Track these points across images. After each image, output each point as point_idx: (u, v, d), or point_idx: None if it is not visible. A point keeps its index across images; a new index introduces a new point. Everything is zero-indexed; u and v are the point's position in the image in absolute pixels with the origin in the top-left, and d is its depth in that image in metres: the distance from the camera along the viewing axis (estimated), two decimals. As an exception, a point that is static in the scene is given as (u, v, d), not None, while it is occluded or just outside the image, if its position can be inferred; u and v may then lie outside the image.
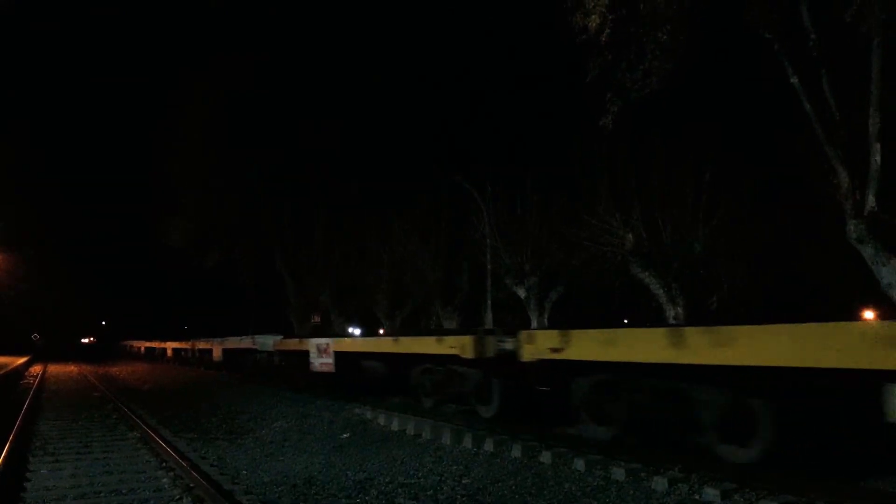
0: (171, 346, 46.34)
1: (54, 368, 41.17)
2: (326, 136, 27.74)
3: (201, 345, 37.22)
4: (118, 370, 39.54)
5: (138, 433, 12.71)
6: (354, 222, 28.99)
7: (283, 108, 29.18)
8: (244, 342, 27.86)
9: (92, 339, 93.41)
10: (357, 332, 18.60)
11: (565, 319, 19.67)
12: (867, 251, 10.69)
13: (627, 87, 11.77)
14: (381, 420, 13.48)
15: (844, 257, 12.85)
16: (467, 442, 10.66)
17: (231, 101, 29.20)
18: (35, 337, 70.47)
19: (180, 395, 21.70)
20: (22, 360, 42.16)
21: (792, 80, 11.20)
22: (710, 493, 7.26)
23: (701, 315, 16.74)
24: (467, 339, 13.15)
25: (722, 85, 15.54)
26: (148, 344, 56.69)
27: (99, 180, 78.24)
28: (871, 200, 10.64)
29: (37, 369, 39.00)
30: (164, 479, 8.76)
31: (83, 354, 68.69)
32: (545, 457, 9.31)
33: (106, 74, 60.24)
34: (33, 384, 25.57)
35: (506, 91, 25.22)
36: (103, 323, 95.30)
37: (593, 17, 11.27)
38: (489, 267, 22.30)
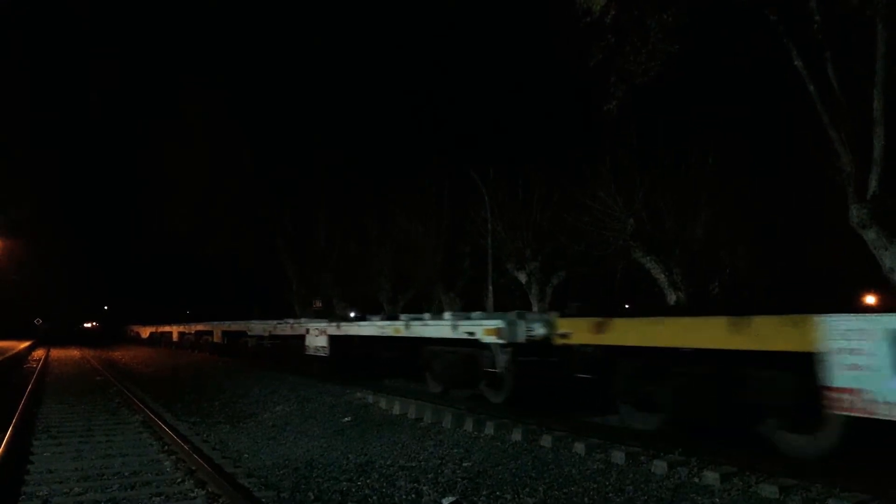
0: (175, 329, 46.40)
1: (57, 353, 41.34)
2: (333, 135, 27.71)
3: (200, 328, 37.29)
4: (120, 354, 39.71)
5: (140, 417, 12.76)
6: (356, 207, 28.98)
7: (288, 105, 29.13)
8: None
9: (94, 323, 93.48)
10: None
11: (566, 304, 19.62)
12: (869, 235, 10.65)
13: (631, 70, 11.68)
14: (383, 404, 13.51)
15: (847, 242, 12.80)
16: (468, 425, 10.68)
17: (233, 99, 29.15)
18: (38, 322, 70.60)
19: (182, 380, 21.78)
20: (25, 344, 42.35)
21: (796, 63, 11.12)
22: (710, 476, 7.28)
23: (703, 300, 16.72)
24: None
25: (726, 69, 15.41)
26: (150, 329, 56.81)
27: (102, 167, 78.18)
28: (873, 185, 10.59)
29: (39, 354, 39.16)
30: (167, 463, 8.80)
31: (86, 339, 69.06)
32: (545, 440, 9.32)
33: (106, 74, 60.09)
34: (36, 368, 25.68)
35: (508, 75, 25.05)
36: (106, 308, 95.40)
37: (597, -1, 11.19)
38: (490, 252, 22.28)
